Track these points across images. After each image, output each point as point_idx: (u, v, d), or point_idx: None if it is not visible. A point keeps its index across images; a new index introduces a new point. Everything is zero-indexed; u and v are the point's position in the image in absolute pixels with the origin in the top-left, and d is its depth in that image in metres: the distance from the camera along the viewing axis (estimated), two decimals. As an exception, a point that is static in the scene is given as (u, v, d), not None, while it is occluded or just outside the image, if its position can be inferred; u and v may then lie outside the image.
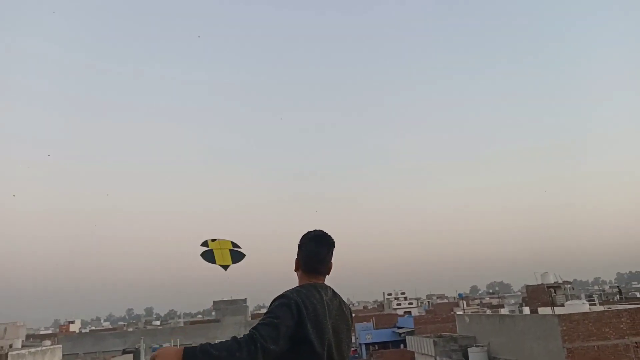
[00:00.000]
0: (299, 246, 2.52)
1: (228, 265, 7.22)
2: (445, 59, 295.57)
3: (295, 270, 2.53)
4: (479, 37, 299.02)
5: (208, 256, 7.19)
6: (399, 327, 57.08)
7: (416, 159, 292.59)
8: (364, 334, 57.16)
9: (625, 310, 23.83)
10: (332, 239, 2.52)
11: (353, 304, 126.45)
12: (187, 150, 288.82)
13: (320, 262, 2.47)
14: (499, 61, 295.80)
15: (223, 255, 7.17)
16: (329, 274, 2.51)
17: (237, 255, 7.28)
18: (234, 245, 7.31)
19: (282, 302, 2.20)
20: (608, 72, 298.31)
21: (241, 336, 2.04)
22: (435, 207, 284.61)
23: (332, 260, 2.51)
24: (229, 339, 2.06)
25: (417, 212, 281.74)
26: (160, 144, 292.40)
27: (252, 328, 2.09)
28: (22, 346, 34.90)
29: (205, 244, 7.22)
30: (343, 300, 2.49)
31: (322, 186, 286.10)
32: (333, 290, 2.46)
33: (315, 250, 2.46)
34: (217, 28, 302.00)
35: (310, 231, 2.55)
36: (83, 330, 77.90)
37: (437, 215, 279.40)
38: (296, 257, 2.52)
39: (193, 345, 2.03)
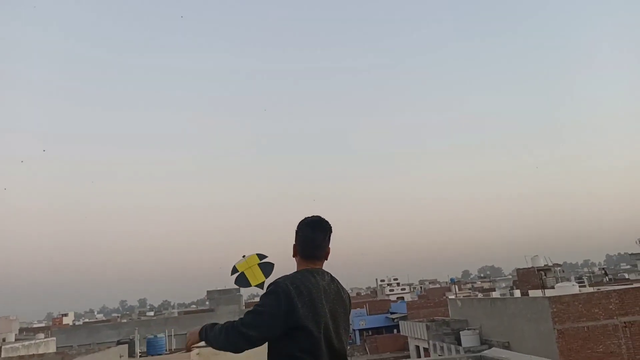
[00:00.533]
0: (296, 232, 2.53)
1: (263, 282, 6.68)
2: (431, 42, 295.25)
3: (293, 256, 2.55)
4: (469, 21, 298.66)
5: (242, 281, 6.67)
6: (392, 313, 57.58)
7: (408, 146, 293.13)
8: (357, 320, 57.57)
9: (614, 291, 24.19)
10: (329, 224, 2.53)
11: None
12: (177, 143, 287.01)
13: (317, 247, 2.48)
14: (482, 42, 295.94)
15: (255, 274, 6.69)
16: (327, 259, 2.53)
17: (267, 268, 6.77)
18: (260, 256, 6.82)
19: (271, 289, 2.28)
20: (592, 60, 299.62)
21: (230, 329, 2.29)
22: (427, 194, 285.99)
23: (330, 246, 2.52)
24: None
25: (410, 199, 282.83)
26: (150, 137, 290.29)
27: (240, 326, 2.28)
28: (16, 340, 34.76)
29: (234, 270, 6.72)
30: (341, 286, 2.53)
31: (317, 174, 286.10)
32: (331, 275, 2.49)
33: (312, 235, 2.47)
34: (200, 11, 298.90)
35: (307, 217, 2.56)
36: (77, 323, 77.65)
37: (430, 202, 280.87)
38: (294, 243, 2.53)
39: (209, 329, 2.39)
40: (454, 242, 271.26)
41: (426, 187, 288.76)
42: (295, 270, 2.49)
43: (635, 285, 29.45)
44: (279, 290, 2.23)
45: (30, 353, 26.38)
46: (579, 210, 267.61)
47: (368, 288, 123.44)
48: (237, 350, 2.25)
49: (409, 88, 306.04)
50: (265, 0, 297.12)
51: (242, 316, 2.28)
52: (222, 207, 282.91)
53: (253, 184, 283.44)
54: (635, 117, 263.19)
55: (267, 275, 6.69)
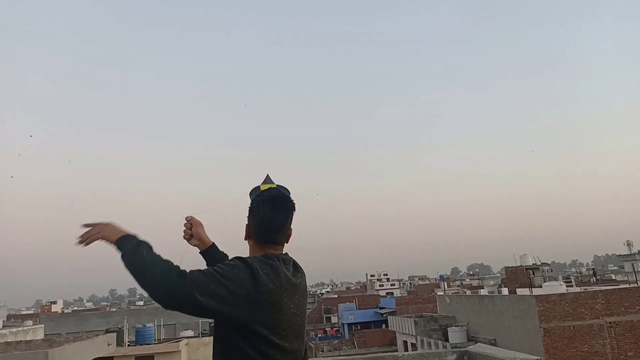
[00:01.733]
0: (250, 210, 1.93)
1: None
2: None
3: (245, 239, 1.96)
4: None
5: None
6: (381, 308, 57.89)
7: (398, 144, 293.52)
8: (346, 314, 57.81)
9: (601, 291, 24.47)
10: (292, 201, 1.94)
11: (336, 285, 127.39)
12: (167, 130, 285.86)
13: (277, 230, 1.89)
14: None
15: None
16: (287, 242, 1.95)
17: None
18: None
19: (242, 267, 1.67)
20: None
21: (178, 267, 1.60)
22: (419, 192, 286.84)
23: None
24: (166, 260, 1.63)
25: (402, 197, 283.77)
26: (137, 119, 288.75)
27: (195, 270, 1.62)
28: (3, 326, 34.62)
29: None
30: (303, 272, 1.93)
31: (305, 171, 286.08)
32: (294, 261, 1.91)
33: (271, 215, 1.87)
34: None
35: (264, 191, 1.94)
36: (65, 311, 77.40)
37: (421, 200, 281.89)
38: (247, 223, 1.94)
39: (142, 243, 1.70)
40: (444, 240, 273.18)
41: (420, 186, 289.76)
42: (249, 256, 1.86)
43: (621, 286, 29.81)
44: (247, 264, 1.68)
45: (18, 340, 26.29)
46: (569, 212, 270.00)
47: (358, 282, 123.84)
48: (162, 296, 1.54)
49: (404, 86, 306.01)
50: None
51: (194, 271, 1.61)
52: (217, 195, 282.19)
53: (253, 173, 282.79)
54: (628, 124, 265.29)
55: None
